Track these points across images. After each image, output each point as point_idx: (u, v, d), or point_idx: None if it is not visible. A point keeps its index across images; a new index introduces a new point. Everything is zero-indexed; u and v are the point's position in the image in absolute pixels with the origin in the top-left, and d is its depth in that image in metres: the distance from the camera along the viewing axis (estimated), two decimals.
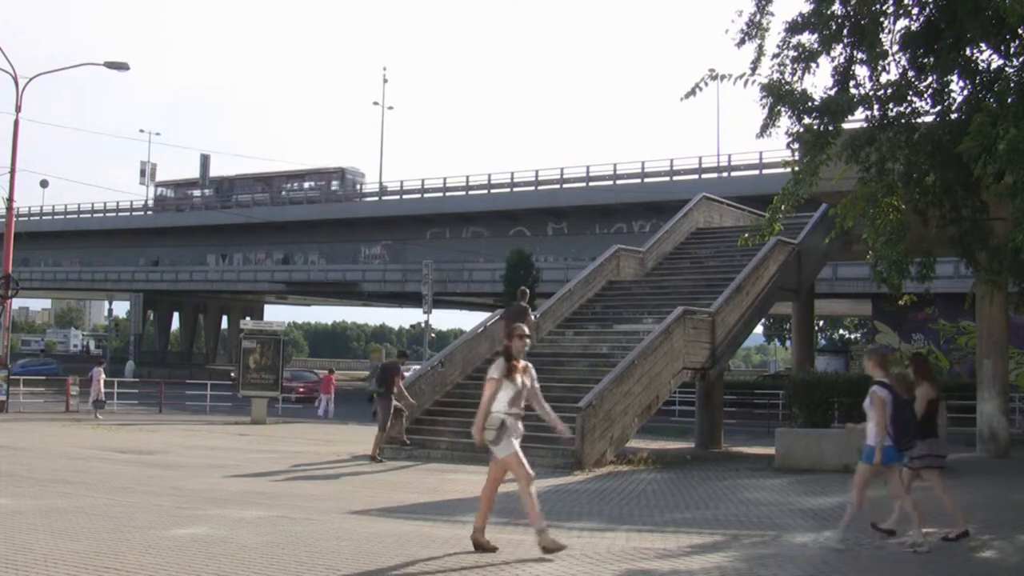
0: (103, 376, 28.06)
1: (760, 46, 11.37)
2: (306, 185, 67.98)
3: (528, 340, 8.52)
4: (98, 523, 9.53)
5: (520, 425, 8.33)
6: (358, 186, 66.63)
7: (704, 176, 49.80)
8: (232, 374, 50.11)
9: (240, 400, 29.78)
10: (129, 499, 11.51)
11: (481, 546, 8.25)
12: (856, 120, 11.60)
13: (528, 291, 19.44)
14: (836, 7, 11.15)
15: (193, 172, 78.48)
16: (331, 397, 33.70)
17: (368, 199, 62.66)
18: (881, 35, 10.97)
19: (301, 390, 41.90)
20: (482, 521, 8.33)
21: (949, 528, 9.30)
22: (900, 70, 11.34)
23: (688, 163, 51.08)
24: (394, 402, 17.18)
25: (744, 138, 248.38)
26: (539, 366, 18.93)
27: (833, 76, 11.39)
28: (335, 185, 65.89)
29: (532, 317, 18.69)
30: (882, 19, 11.02)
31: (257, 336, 28.70)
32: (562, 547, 8.20)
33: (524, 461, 8.21)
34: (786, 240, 21.72)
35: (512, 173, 56.40)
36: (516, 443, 8.19)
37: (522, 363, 8.38)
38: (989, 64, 11.06)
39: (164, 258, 69.61)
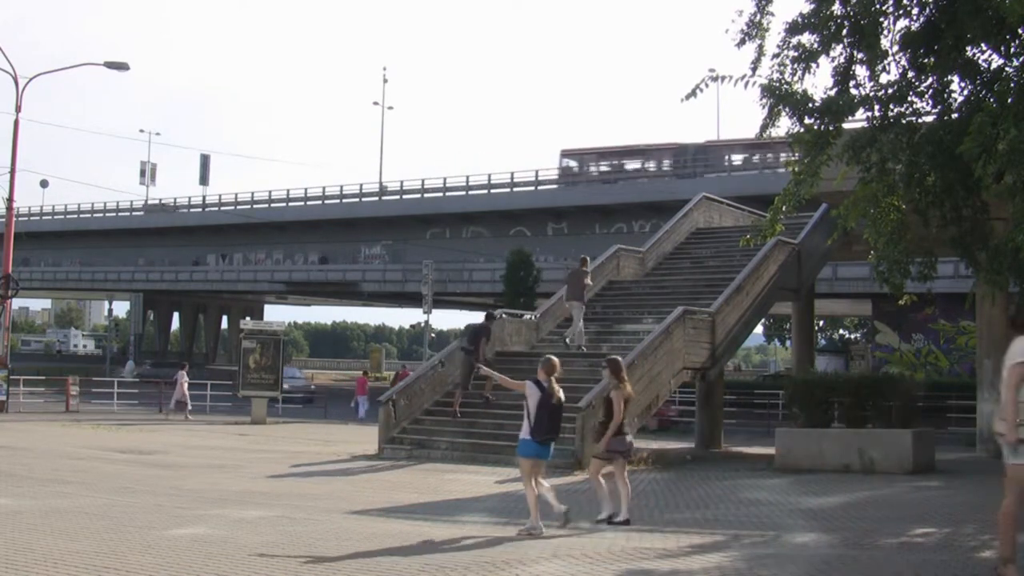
0: (187, 379, 28.67)
1: (760, 46, 11.39)
2: None
3: None
4: (98, 523, 9.53)
5: None
6: None
7: (704, 176, 49.74)
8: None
9: (240, 400, 29.81)
10: (129, 499, 11.51)
11: None
12: (857, 120, 11.61)
13: (588, 259, 20.60)
14: (836, 7, 11.16)
15: (194, 172, 77.02)
16: (365, 397, 33.82)
17: (368, 199, 62.61)
18: (881, 35, 10.98)
19: None
20: (1011, 549, 6.88)
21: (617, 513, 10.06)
22: (900, 70, 11.36)
23: None
24: (476, 365, 17.88)
25: (744, 138, 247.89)
26: (539, 365, 19.15)
27: (833, 76, 11.40)
28: None
29: (589, 281, 19.85)
30: (882, 19, 11.03)
31: (257, 336, 28.74)
32: None
33: None
34: (786, 240, 21.70)
35: (512, 173, 56.37)
36: None
37: None
38: (989, 64, 11.07)
39: (163, 258, 69.46)
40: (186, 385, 28.52)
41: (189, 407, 28.59)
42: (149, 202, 74.59)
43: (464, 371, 18.22)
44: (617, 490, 10.17)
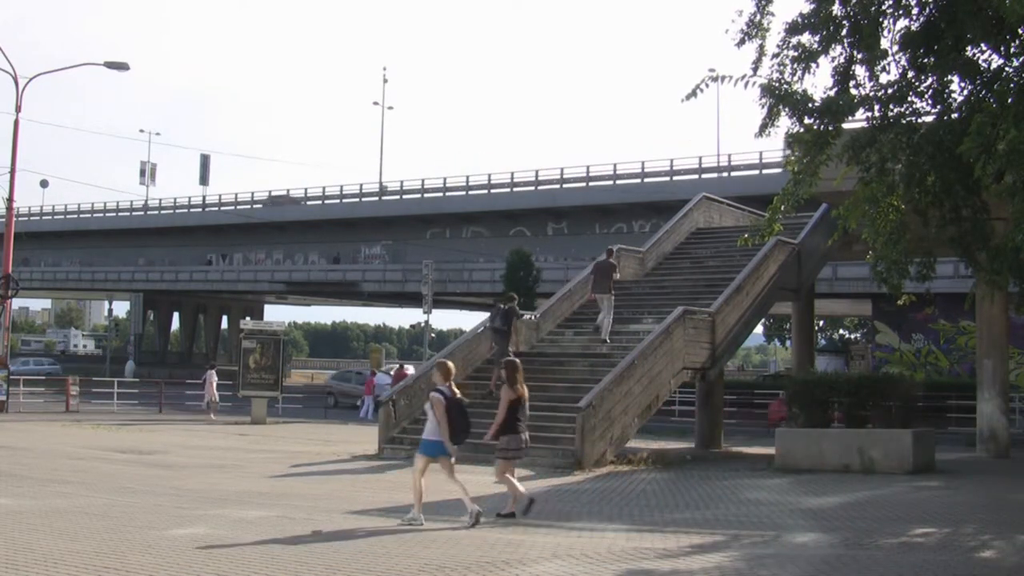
0: (215, 379, 29.14)
1: (761, 46, 11.39)
2: None
3: None
4: (98, 523, 9.54)
5: None
6: None
7: (704, 176, 49.72)
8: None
9: (240, 400, 29.84)
10: (129, 499, 11.52)
11: None
12: (857, 120, 11.61)
13: (614, 249, 21.03)
14: (836, 7, 11.16)
15: (193, 172, 75.76)
16: (372, 398, 33.84)
17: (368, 199, 62.59)
18: (881, 35, 10.98)
19: None
20: None
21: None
22: (900, 70, 11.36)
23: (688, 163, 51.01)
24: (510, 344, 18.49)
25: (744, 138, 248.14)
26: (539, 366, 19.26)
27: (833, 76, 11.40)
28: None
29: (617, 275, 20.18)
30: (882, 19, 11.03)
31: (257, 336, 28.76)
32: None
33: None
34: (786, 240, 21.71)
35: (512, 173, 56.38)
36: None
37: None
38: (989, 64, 11.06)
39: (163, 258, 69.42)
40: (215, 385, 28.99)
41: (204, 406, 28.89)
42: (269, 194, 67.39)
43: (502, 351, 18.27)
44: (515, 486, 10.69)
